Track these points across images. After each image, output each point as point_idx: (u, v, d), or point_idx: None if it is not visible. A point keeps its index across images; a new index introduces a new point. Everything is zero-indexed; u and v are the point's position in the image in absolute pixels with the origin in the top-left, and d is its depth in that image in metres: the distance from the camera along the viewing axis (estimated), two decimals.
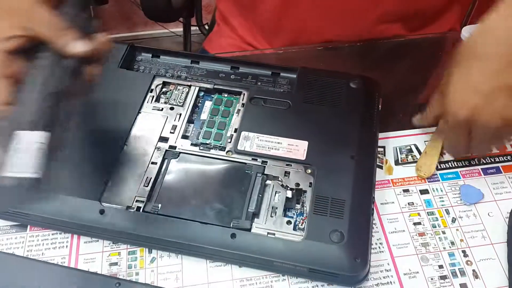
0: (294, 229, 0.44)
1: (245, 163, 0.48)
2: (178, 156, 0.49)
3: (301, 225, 0.45)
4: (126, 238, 0.45)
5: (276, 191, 0.46)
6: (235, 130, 0.50)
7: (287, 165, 0.48)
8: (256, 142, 0.49)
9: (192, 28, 1.18)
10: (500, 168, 0.51)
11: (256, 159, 0.48)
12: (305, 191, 0.46)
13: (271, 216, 0.45)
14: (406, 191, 0.50)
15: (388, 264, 0.45)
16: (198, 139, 0.50)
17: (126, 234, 0.44)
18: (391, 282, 0.44)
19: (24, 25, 0.38)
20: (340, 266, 0.42)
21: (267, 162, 0.48)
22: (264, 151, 0.48)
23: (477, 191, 0.49)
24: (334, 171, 0.47)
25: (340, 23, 0.64)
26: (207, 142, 0.50)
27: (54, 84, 0.38)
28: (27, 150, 0.36)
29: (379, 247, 0.46)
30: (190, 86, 0.54)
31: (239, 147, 0.49)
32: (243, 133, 0.50)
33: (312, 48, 0.64)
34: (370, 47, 0.64)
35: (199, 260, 0.45)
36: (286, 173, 0.47)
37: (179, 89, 0.54)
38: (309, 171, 0.47)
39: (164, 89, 0.54)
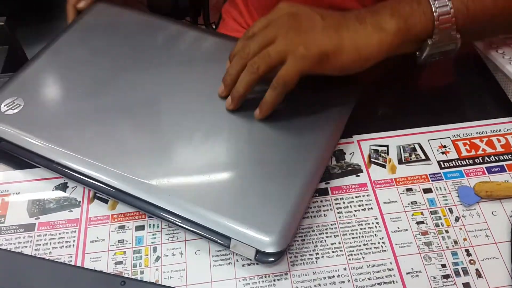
0: None
1: None
2: None
3: None
4: None
5: None
6: None
7: None
8: None
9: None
10: (505, 166, 0.51)
11: None
12: None
13: None
14: (409, 190, 0.50)
15: (390, 263, 0.45)
16: None
17: None
18: (393, 281, 0.44)
19: None
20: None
21: None
22: None
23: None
24: None
25: None
26: None
27: None
28: None
29: (382, 246, 0.46)
30: None
31: None
32: None
33: None
34: None
35: (203, 259, 0.46)
36: None
37: None
38: None
39: None
